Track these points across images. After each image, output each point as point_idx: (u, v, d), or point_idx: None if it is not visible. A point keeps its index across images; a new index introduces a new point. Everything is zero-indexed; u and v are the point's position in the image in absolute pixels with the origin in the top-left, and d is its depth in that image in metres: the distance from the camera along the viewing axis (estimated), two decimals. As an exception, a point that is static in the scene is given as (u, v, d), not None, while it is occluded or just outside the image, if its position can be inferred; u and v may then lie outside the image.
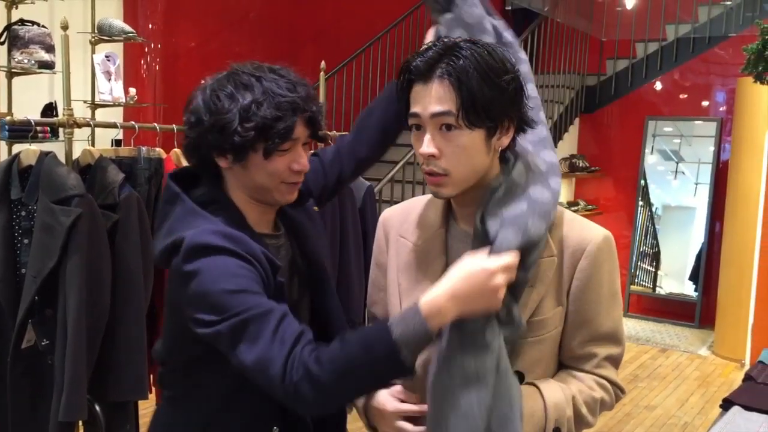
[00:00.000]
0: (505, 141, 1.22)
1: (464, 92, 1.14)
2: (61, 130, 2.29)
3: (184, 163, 2.50)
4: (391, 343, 1.11)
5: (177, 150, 2.49)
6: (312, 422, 1.41)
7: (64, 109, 2.23)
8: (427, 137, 1.18)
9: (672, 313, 6.61)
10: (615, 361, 1.32)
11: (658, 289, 6.76)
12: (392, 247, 1.38)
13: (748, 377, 2.79)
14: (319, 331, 1.30)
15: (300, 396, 1.14)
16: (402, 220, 1.38)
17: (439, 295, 1.13)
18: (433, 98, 1.16)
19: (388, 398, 1.28)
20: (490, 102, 1.15)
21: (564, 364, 1.31)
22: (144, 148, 2.31)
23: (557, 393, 1.23)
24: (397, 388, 1.30)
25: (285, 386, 1.14)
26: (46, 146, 2.42)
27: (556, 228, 1.26)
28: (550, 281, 1.24)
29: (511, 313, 1.18)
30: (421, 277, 1.29)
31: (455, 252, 1.26)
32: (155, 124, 2.43)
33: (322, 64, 3.18)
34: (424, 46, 1.21)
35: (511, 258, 1.14)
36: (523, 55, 1.39)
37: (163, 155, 2.40)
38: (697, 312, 6.46)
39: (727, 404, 2.53)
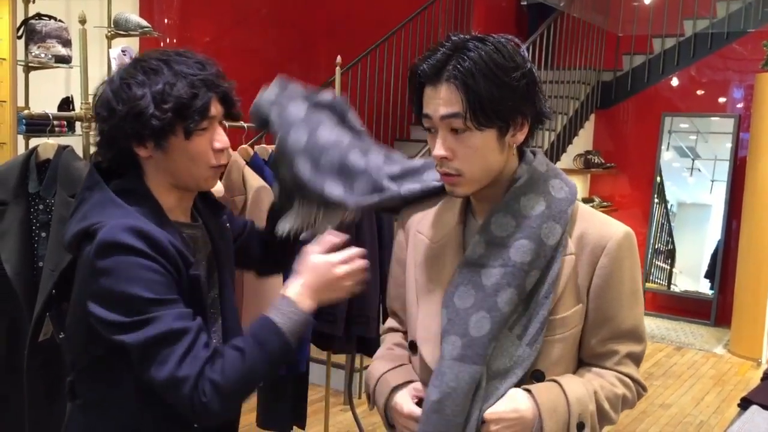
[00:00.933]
0: (520, 137, 1.22)
1: (471, 94, 1.14)
2: (78, 124, 2.29)
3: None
4: (282, 335, 1.24)
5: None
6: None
7: (81, 103, 2.23)
8: (439, 140, 1.18)
9: (687, 311, 6.57)
10: (636, 359, 1.30)
11: (672, 286, 6.71)
12: (411, 243, 1.38)
13: (766, 376, 2.76)
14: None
15: (209, 412, 1.21)
16: (421, 217, 1.38)
17: (296, 284, 1.30)
18: (441, 101, 1.16)
19: (405, 399, 1.29)
20: (498, 102, 1.15)
21: (584, 362, 1.30)
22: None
23: (579, 388, 1.22)
24: (416, 386, 1.29)
25: (194, 406, 1.20)
26: (63, 140, 2.43)
27: (574, 225, 1.25)
28: (568, 279, 1.23)
29: None
30: (436, 274, 1.29)
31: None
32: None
33: (338, 58, 3.17)
34: (432, 48, 1.20)
35: (350, 253, 1.33)
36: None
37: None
38: (713, 310, 6.41)
39: (745, 403, 2.50)
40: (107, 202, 1.29)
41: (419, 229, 1.37)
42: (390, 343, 1.45)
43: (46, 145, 2.14)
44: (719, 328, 6.28)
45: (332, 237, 1.35)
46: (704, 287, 6.56)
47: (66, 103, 4.28)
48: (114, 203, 1.28)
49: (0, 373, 2.13)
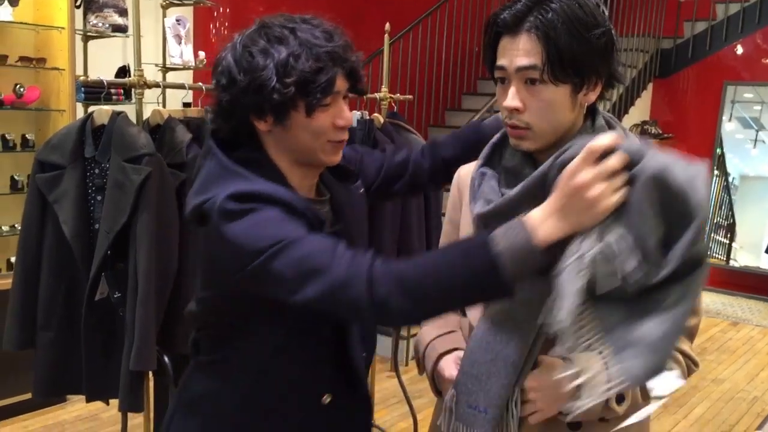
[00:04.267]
0: (592, 97, 1.19)
1: (551, 46, 1.12)
2: (149, 91, 2.34)
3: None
4: (488, 250, 1.02)
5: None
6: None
7: (135, 70, 2.28)
8: (512, 91, 1.16)
9: (745, 286, 6.39)
10: (689, 333, 1.28)
11: (731, 261, 6.54)
12: (465, 203, 1.36)
13: (822, 352, 2.69)
14: None
15: (390, 309, 1.07)
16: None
17: (542, 207, 1.06)
18: (520, 51, 1.14)
19: (449, 364, 1.29)
20: (577, 57, 1.13)
21: None
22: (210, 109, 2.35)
23: None
24: (461, 353, 1.29)
25: (373, 301, 1.06)
26: (120, 108, 2.49)
27: None
28: None
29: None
30: None
31: None
32: (222, 86, 2.46)
33: (387, 26, 3.15)
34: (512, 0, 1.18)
35: (610, 164, 1.02)
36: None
37: (230, 116, 2.43)
38: (773, 286, 6.24)
39: (798, 379, 2.45)
40: (227, 171, 1.21)
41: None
42: None
43: (101, 111, 2.20)
44: (778, 305, 6.12)
45: (598, 143, 1.04)
46: (765, 263, 6.37)
47: (123, 72, 4.37)
48: (234, 172, 1.20)
49: (60, 330, 2.23)
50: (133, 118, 2.27)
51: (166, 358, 2.22)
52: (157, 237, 2.11)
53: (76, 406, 3.53)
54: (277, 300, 1.14)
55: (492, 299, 1.13)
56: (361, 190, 1.44)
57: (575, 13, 1.13)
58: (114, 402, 2.29)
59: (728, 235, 6.60)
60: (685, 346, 1.27)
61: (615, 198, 1.03)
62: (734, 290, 6.43)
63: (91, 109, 4.03)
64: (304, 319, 1.22)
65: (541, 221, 1.05)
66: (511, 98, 1.16)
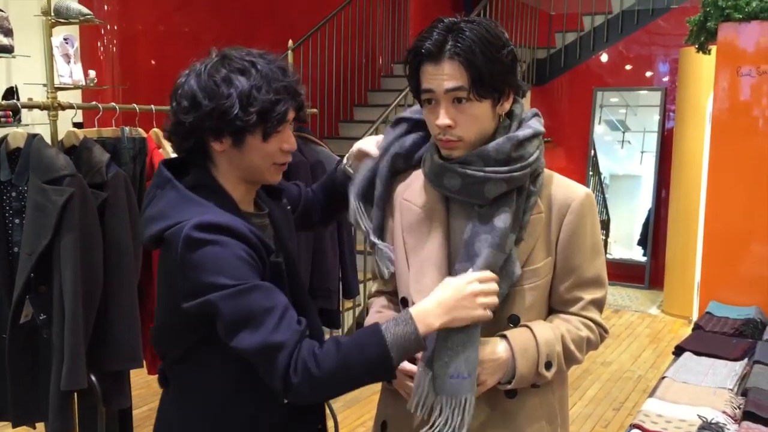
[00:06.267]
0: (507, 106, 1.38)
1: (473, 70, 1.29)
2: (25, 113, 2.33)
3: (164, 142, 2.58)
4: (383, 346, 1.23)
5: (156, 130, 2.57)
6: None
7: (47, 92, 2.28)
8: (443, 111, 1.33)
9: (623, 276, 6.91)
10: (599, 305, 1.47)
11: (607, 255, 7.05)
12: (397, 210, 1.50)
13: (697, 326, 3.02)
14: None
15: (298, 394, 1.23)
16: (406, 186, 1.51)
17: (428, 303, 1.28)
18: (446, 76, 1.30)
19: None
20: (494, 75, 1.30)
21: (553, 309, 1.46)
22: (127, 128, 2.38)
23: (547, 332, 1.38)
24: None
25: (286, 381, 1.22)
26: (8, 131, 2.44)
27: (544, 188, 1.42)
28: (539, 235, 1.39)
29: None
30: (425, 236, 1.43)
31: (456, 213, 1.41)
32: (134, 105, 2.50)
33: (290, 43, 3.26)
34: (426, 30, 1.33)
35: (486, 273, 1.30)
36: None
37: (144, 134, 2.47)
38: (647, 274, 6.79)
39: (679, 351, 2.75)
40: (185, 199, 1.32)
41: (406, 197, 1.50)
42: (378, 306, 1.58)
43: (16, 134, 2.19)
44: (653, 291, 6.66)
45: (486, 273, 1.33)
46: (637, 254, 6.92)
47: (10, 93, 4.22)
48: (192, 200, 1.32)
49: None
50: (47, 139, 2.26)
51: (93, 377, 2.23)
52: (82, 257, 2.12)
53: (-20, 441, 3.40)
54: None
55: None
56: (288, 207, 1.59)
57: (485, 37, 1.31)
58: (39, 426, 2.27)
59: (603, 231, 7.12)
60: (596, 315, 1.46)
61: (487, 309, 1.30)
62: (613, 280, 6.93)
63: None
64: None
65: (426, 314, 1.26)
66: (443, 117, 1.33)
